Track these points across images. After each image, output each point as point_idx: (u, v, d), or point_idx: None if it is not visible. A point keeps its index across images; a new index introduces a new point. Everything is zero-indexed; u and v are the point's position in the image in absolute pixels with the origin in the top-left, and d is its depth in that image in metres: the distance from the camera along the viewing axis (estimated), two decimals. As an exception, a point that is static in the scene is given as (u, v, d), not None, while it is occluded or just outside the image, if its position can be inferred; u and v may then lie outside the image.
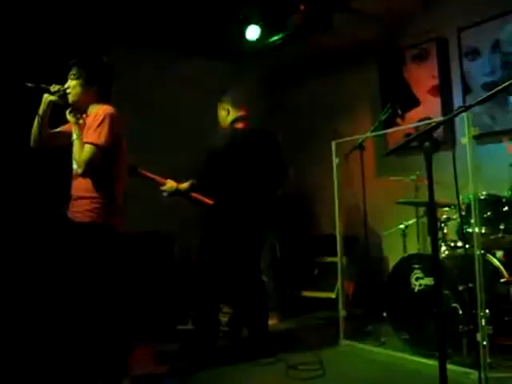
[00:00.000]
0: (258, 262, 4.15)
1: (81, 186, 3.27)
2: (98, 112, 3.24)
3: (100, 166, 3.20)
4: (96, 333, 3.19)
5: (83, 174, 3.20)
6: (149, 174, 4.05)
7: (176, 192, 4.06)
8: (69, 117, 3.33)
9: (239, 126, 4.06)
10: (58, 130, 3.49)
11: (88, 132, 3.22)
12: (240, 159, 3.92)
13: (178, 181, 4.09)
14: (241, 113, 4.12)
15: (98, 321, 3.20)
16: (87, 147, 3.16)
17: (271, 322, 4.49)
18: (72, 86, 3.30)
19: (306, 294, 5.48)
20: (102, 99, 3.36)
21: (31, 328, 3.43)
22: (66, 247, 3.27)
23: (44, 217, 4.27)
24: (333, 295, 5.17)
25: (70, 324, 3.28)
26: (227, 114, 4.13)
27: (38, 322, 3.72)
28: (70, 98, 3.30)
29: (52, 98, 3.27)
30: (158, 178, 4.08)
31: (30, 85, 3.21)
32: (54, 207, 3.60)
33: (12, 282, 4.02)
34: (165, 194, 4.07)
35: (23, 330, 3.29)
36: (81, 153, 3.18)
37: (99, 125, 3.17)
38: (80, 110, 3.35)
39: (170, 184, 4.04)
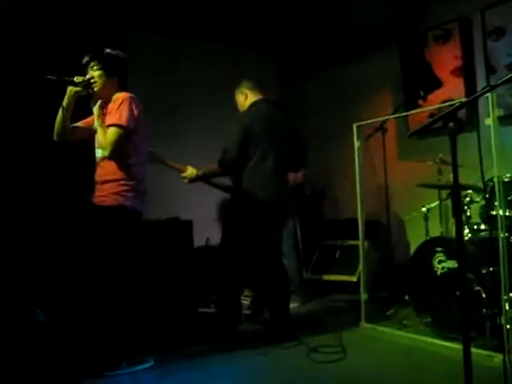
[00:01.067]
0: (279, 245, 4.15)
1: (106, 171, 3.33)
2: (117, 97, 3.33)
3: (123, 147, 3.25)
4: (108, 315, 3.25)
5: (111, 156, 3.26)
6: (168, 161, 4.07)
7: (196, 178, 4.08)
8: (95, 109, 3.37)
9: (258, 109, 4.03)
10: (79, 123, 3.55)
11: (109, 116, 3.28)
12: (260, 142, 3.90)
13: (198, 167, 4.11)
14: (259, 96, 4.11)
15: (113, 304, 3.25)
16: (111, 129, 3.24)
17: (292, 305, 4.51)
18: (96, 76, 3.34)
19: (328, 277, 5.48)
20: (120, 89, 3.43)
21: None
22: (93, 231, 3.32)
23: (70, 204, 4.34)
24: (354, 278, 5.17)
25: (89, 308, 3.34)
26: (245, 98, 4.11)
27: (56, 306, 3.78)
28: (96, 88, 3.34)
29: (77, 89, 3.31)
30: (177, 165, 4.11)
31: (52, 78, 3.23)
32: (79, 196, 3.65)
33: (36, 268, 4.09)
34: (185, 180, 4.10)
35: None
36: (105, 136, 3.23)
37: (119, 107, 3.26)
38: (104, 100, 3.39)
39: (190, 171, 4.08)
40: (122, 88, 3.49)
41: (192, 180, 4.11)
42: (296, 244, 5.20)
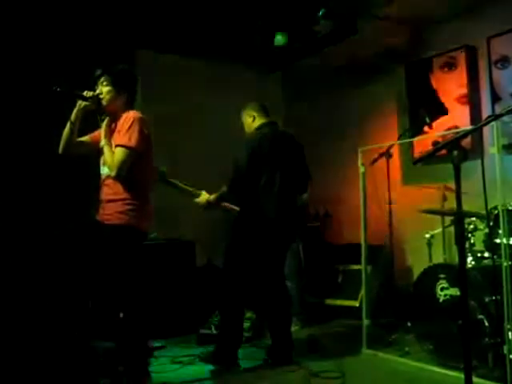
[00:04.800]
0: (282, 268, 4.13)
1: (111, 190, 3.32)
2: (128, 116, 3.31)
3: (130, 168, 3.25)
4: (121, 333, 3.24)
5: (117, 177, 3.24)
6: (178, 183, 4.05)
7: (208, 205, 4.04)
8: (102, 127, 3.39)
9: (265, 131, 4.05)
10: (85, 137, 3.56)
11: (118, 135, 3.28)
12: (268, 164, 3.90)
13: (209, 191, 4.06)
14: (266, 119, 4.12)
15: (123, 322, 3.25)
16: (119, 150, 3.23)
17: (293, 328, 4.47)
18: (105, 91, 3.35)
19: (330, 301, 5.45)
20: (129, 106, 3.43)
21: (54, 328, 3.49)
22: (96, 249, 3.31)
23: (73, 221, 4.34)
24: (356, 303, 5.14)
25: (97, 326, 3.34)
26: (253, 121, 4.12)
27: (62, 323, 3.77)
28: (104, 103, 3.36)
29: (86, 103, 3.33)
30: (189, 189, 4.08)
31: (60, 89, 3.24)
32: (81, 212, 3.64)
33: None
34: (199, 206, 4.07)
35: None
36: (112, 156, 3.23)
37: (129, 127, 3.24)
38: (111, 115, 3.40)
39: (203, 197, 4.03)
40: (132, 105, 3.48)
41: (206, 207, 4.06)
42: (299, 267, 5.18)
